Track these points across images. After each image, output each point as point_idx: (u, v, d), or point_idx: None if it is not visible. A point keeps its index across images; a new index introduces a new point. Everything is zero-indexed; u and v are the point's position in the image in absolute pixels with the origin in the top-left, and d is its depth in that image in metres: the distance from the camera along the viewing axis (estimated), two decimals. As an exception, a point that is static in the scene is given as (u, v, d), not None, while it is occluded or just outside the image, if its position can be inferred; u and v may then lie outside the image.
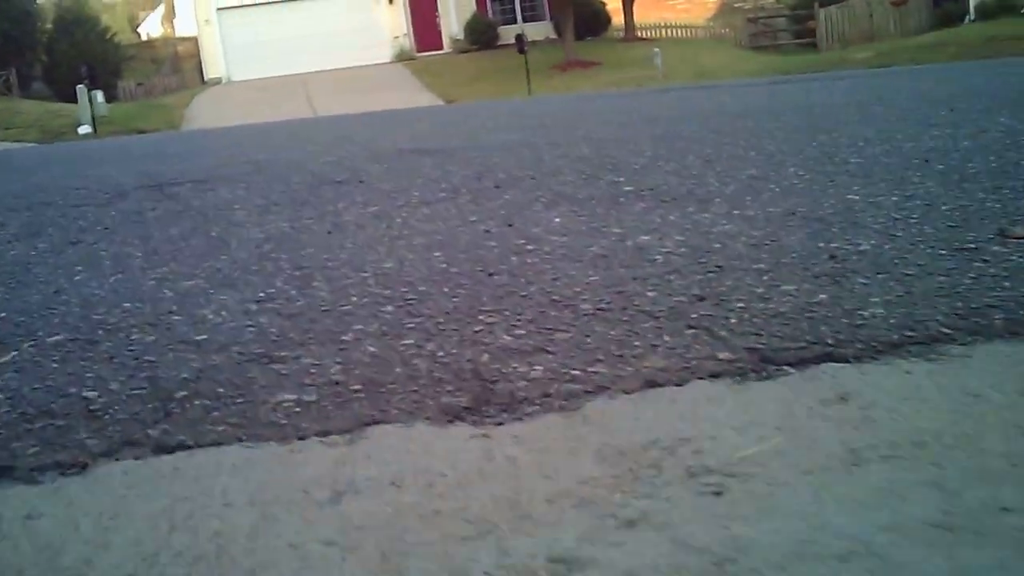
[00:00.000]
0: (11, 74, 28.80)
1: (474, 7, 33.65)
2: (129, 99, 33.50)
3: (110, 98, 27.13)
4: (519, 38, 23.14)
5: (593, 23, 32.73)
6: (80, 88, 22.04)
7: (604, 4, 33.12)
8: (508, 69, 27.30)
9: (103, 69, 28.23)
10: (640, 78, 23.80)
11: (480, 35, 32.83)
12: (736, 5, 44.63)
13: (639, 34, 33.66)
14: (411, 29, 33.99)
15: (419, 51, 33.69)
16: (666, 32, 37.53)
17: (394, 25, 33.62)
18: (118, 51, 33.05)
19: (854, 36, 31.40)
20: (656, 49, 23.68)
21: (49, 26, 31.32)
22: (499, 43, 33.44)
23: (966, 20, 29.42)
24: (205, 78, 34.17)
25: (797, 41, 33.35)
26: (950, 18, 30.47)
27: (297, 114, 22.98)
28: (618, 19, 34.19)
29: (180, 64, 48.76)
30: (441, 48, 34.16)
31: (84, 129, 21.44)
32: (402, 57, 32.66)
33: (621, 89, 20.13)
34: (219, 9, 33.49)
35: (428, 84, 27.15)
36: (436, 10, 34.14)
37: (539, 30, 33.13)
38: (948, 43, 21.12)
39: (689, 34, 38.18)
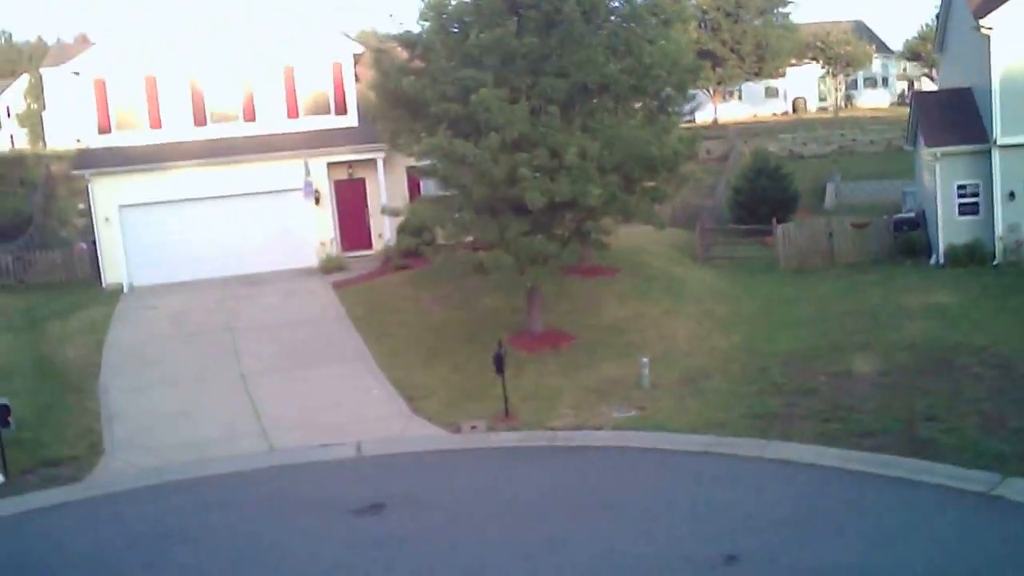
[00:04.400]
0: None
1: (406, 196, 30.70)
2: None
3: None
4: (498, 357, 20.44)
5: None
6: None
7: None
8: (469, 325, 24.80)
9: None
10: (621, 388, 21.43)
11: (417, 238, 29.60)
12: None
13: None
14: (338, 231, 30.96)
15: (345, 251, 30.72)
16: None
17: (320, 228, 30.52)
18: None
19: (812, 257, 30.25)
20: (644, 359, 21.62)
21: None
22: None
23: (932, 260, 28.51)
24: (104, 283, 30.23)
25: (752, 256, 31.97)
26: (912, 249, 29.59)
27: (234, 421, 19.63)
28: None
29: (55, 206, 44.02)
30: (370, 248, 31.26)
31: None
32: (329, 266, 29.59)
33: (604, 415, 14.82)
34: (123, 206, 29.58)
35: (377, 353, 24.19)
36: (366, 206, 31.14)
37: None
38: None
39: (649, 243, 35.26)
